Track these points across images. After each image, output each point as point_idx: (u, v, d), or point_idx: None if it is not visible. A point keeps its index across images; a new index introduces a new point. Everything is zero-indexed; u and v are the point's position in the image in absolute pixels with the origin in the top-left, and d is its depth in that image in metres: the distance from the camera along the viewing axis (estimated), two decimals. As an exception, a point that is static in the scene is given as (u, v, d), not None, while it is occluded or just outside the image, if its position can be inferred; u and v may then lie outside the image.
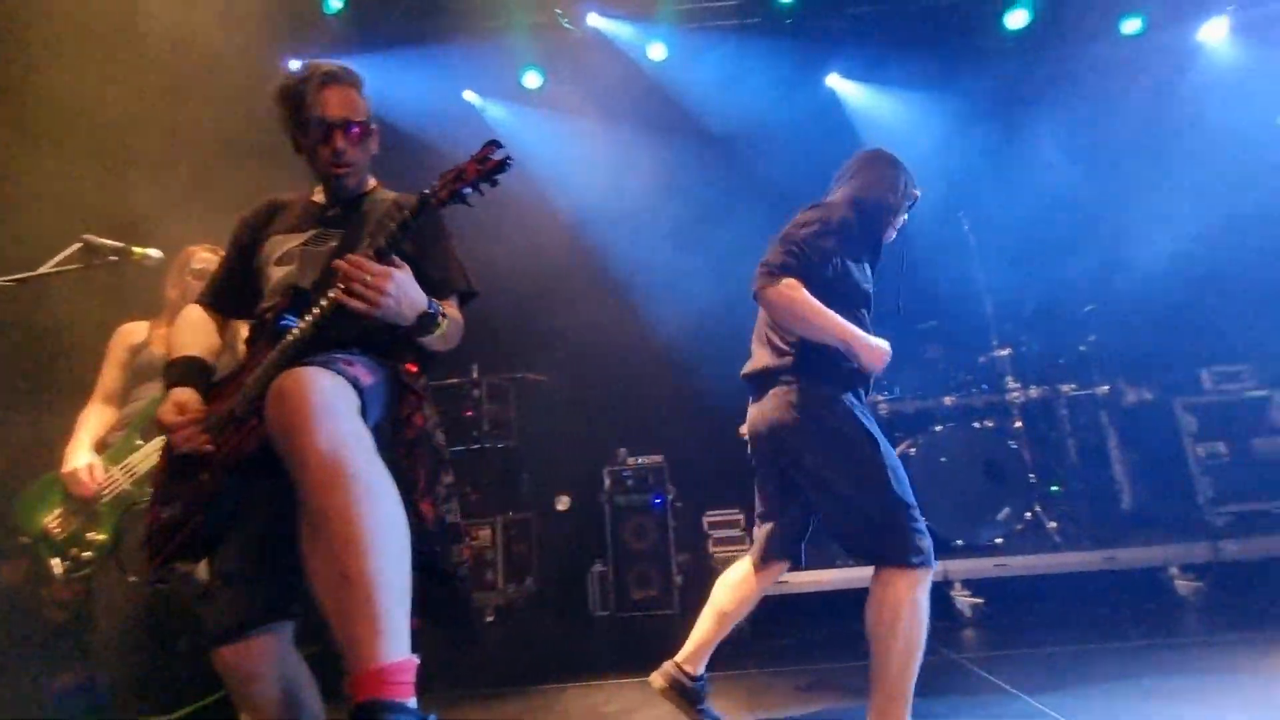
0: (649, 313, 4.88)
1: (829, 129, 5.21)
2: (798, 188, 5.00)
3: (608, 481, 4.16)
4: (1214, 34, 4.75)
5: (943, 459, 3.58)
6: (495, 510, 4.20)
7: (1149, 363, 4.08)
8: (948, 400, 3.82)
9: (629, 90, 4.93)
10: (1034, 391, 3.78)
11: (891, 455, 1.81)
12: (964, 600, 3.18)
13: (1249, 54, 4.66)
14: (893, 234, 2.09)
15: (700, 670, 2.07)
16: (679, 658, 2.07)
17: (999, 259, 4.00)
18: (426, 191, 1.37)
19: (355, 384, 1.23)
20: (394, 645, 1.02)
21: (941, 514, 3.54)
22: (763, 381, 1.97)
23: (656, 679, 2.06)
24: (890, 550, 1.73)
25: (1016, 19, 4.87)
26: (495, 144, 1.38)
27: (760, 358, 2.02)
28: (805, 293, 1.78)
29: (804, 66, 5.08)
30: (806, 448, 1.84)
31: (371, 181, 1.68)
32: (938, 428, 3.69)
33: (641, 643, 3.38)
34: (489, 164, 1.36)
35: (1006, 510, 3.49)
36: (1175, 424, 3.72)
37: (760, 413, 1.96)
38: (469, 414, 4.44)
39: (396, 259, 1.35)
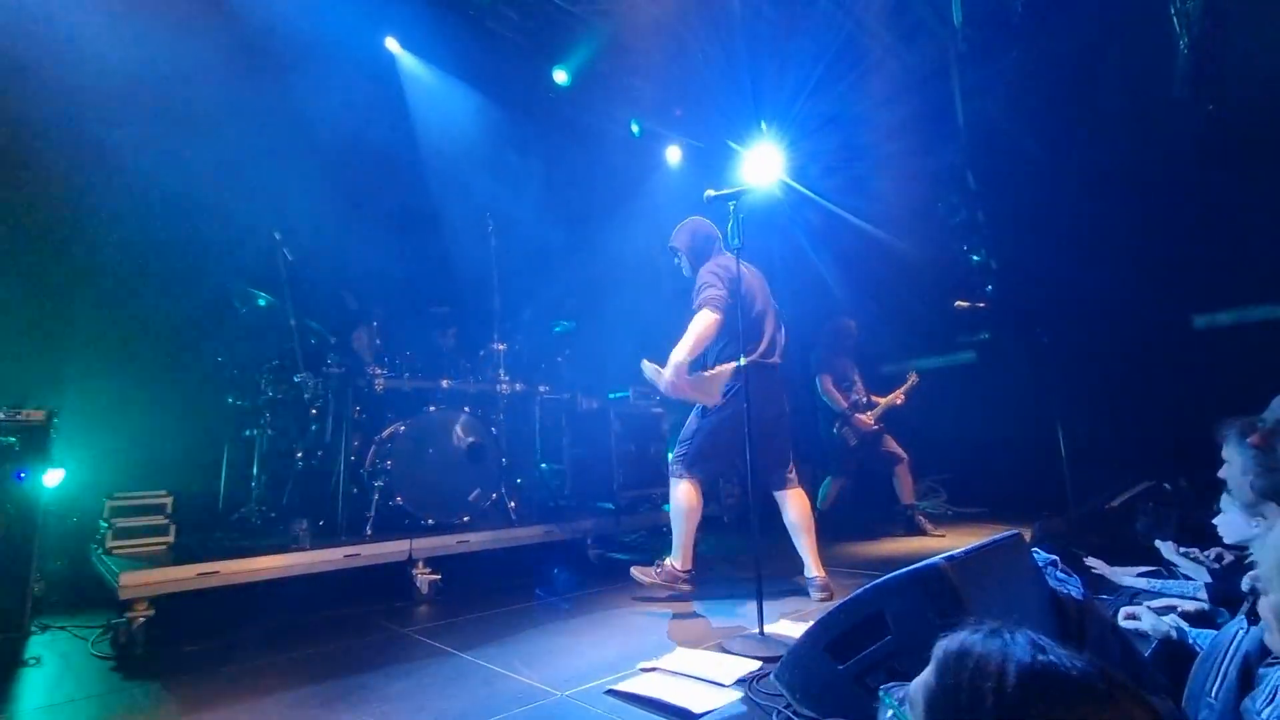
0: (92, 203, 3.40)
1: (370, 82, 4.89)
2: (315, 123, 4.49)
3: (-78, 445, 2.60)
4: (674, 152, 6.72)
5: (429, 439, 3.59)
6: None
7: (599, 378, 5.07)
8: (445, 383, 3.88)
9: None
10: (518, 387, 4.20)
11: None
12: (423, 578, 3.18)
13: (692, 162, 6.80)
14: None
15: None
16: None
17: (514, 263, 4.35)
18: None
19: None
20: None
21: (420, 493, 3.52)
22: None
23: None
24: None
25: (560, 76, 5.73)
26: None
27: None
28: None
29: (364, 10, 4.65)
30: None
31: None
32: (431, 408, 3.69)
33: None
34: None
35: (478, 491, 3.71)
36: (609, 428, 4.69)
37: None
38: None
39: None
